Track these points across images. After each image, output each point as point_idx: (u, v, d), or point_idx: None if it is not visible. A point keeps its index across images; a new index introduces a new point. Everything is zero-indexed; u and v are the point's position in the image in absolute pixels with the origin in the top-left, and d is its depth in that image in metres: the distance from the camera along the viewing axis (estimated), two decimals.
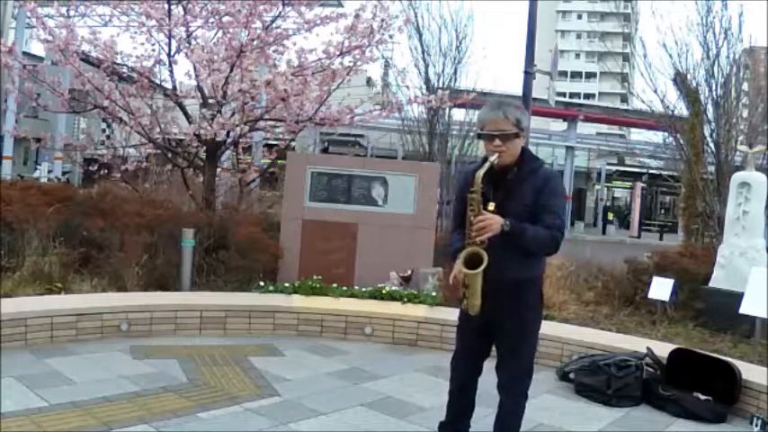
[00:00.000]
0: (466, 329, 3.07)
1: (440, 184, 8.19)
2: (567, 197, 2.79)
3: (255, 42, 7.44)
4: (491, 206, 2.80)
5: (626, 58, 43.76)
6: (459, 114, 11.63)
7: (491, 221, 2.72)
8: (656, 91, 10.58)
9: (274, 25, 8.00)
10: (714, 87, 10.11)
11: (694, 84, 10.19)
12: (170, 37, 7.83)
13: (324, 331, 5.52)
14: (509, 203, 2.81)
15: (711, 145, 9.97)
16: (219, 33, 8.01)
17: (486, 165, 2.81)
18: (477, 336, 3.02)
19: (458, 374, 3.12)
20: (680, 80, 10.34)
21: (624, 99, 46.96)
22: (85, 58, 8.04)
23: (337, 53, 7.80)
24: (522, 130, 2.85)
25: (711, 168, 10.02)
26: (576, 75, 72.21)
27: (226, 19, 7.80)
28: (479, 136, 2.94)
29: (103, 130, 12.68)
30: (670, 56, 10.38)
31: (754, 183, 6.85)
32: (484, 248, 2.73)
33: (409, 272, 6.44)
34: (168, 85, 8.24)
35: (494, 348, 3.05)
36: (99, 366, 4.31)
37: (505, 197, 2.83)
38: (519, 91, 10.96)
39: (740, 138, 10.30)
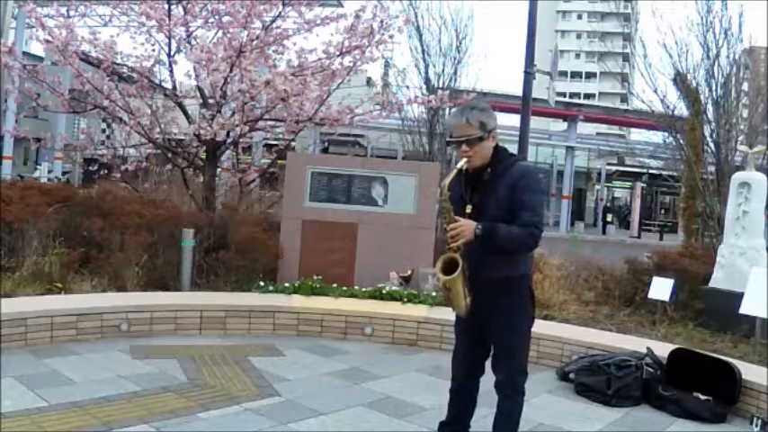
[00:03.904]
0: (461, 328, 3.11)
1: (440, 183, 8.21)
2: (546, 191, 2.84)
3: (255, 42, 7.43)
4: (468, 209, 2.85)
5: (626, 58, 43.71)
6: None
7: (462, 228, 2.75)
8: (656, 91, 10.62)
9: (274, 25, 7.98)
10: (714, 87, 10.12)
11: (694, 84, 10.20)
12: (170, 37, 7.82)
13: (324, 331, 5.52)
14: (485, 204, 2.84)
15: (711, 145, 9.98)
16: (219, 33, 8.01)
17: (454, 172, 2.88)
18: (472, 335, 3.04)
19: (457, 373, 3.14)
20: (680, 80, 10.35)
21: (624, 99, 46.93)
22: (85, 58, 8.04)
23: (337, 53, 7.79)
24: (490, 132, 2.86)
25: (711, 168, 10.03)
26: (576, 75, 72.19)
27: (226, 19, 7.80)
28: (448, 143, 3.01)
29: (103, 130, 12.68)
30: (670, 56, 10.41)
31: (754, 183, 6.85)
32: (460, 253, 2.79)
33: (409, 272, 6.45)
34: (168, 85, 8.24)
35: None
36: (99, 366, 4.31)
37: (482, 198, 2.86)
38: (519, 91, 10.97)
39: (740, 138, 10.31)
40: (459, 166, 2.88)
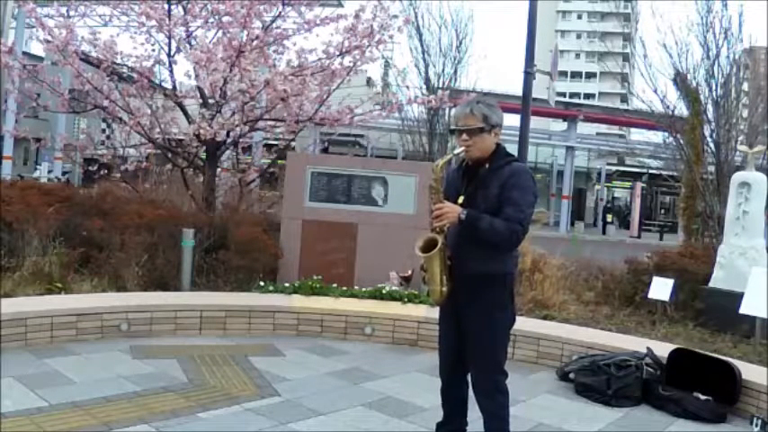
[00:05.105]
0: (443, 325, 3.12)
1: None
2: (537, 193, 2.93)
3: (255, 42, 7.43)
4: (460, 199, 2.91)
5: (626, 58, 43.73)
6: None
7: (447, 210, 2.82)
8: (656, 91, 10.62)
9: (274, 25, 7.99)
10: (714, 87, 10.13)
11: (694, 84, 10.20)
12: (170, 37, 7.83)
13: (324, 331, 5.52)
14: (477, 197, 2.89)
15: (711, 145, 9.98)
16: (219, 33, 8.01)
17: (448, 156, 3.00)
18: (453, 332, 3.02)
19: (443, 371, 3.14)
20: (680, 80, 10.36)
21: (624, 99, 46.99)
22: (85, 58, 8.04)
23: (337, 53, 7.80)
24: (493, 126, 2.92)
25: (711, 168, 10.03)
26: (576, 75, 72.20)
27: (225, 19, 7.79)
28: (451, 131, 3.12)
29: (103, 130, 12.67)
30: (670, 56, 10.42)
31: (754, 183, 6.85)
32: (444, 236, 2.84)
33: (409, 272, 6.44)
34: (168, 85, 8.24)
35: None
36: (99, 366, 4.31)
37: (474, 191, 2.91)
38: (519, 91, 10.97)
39: (740, 138, 10.31)
40: (455, 152, 2.97)
